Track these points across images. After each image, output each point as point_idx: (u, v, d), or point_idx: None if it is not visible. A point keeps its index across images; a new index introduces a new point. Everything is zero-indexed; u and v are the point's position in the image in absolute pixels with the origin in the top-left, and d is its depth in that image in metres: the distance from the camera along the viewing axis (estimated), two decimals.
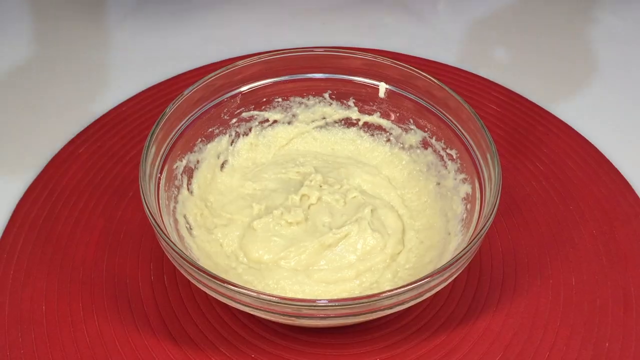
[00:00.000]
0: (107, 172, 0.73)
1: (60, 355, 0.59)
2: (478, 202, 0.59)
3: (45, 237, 0.67)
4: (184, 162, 0.64)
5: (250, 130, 0.70)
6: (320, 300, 0.50)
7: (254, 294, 0.49)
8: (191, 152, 0.65)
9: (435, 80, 0.64)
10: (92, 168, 0.73)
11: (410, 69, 0.66)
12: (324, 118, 0.72)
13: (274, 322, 0.60)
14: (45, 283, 0.64)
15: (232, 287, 0.50)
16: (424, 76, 0.65)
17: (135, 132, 0.77)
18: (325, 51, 0.69)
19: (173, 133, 0.62)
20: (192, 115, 0.65)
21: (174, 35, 0.91)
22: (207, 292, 0.53)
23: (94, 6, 0.94)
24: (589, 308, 0.62)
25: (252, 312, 0.52)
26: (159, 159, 0.60)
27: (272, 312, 0.51)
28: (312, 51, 0.68)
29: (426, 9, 0.93)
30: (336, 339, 0.59)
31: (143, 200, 0.54)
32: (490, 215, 0.54)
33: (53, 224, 0.68)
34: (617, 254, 0.67)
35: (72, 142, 0.77)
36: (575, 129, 0.80)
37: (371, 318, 0.53)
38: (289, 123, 0.72)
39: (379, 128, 0.71)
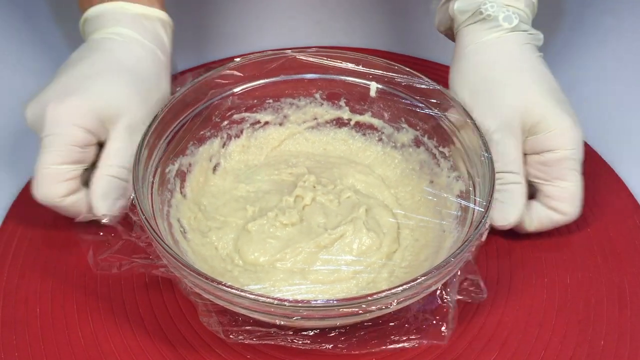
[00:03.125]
0: None
1: (54, 358, 0.59)
2: (472, 199, 0.59)
3: (39, 238, 0.67)
4: (177, 165, 0.64)
5: (241, 132, 0.70)
6: (317, 300, 0.50)
7: (252, 296, 0.49)
8: (183, 156, 0.65)
9: (426, 79, 0.64)
10: None
11: (401, 68, 0.66)
12: (316, 119, 0.72)
13: (269, 322, 0.60)
14: (40, 285, 0.63)
15: (229, 289, 0.50)
16: (415, 75, 0.65)
17: None
18: (315, 51, 0.68)
19: (165, 136, 0.62)
20: (183, 118, 0.64)
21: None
22: (204, 295, 0.53)
23: None
24: (583, 306, 0.63)
25: (249, 314, 0.52)
26: (151, 162, 0.59)
27: (270, 314, 0.50)
28: (303, 51, 0.68)
29: (418, 8, 0.93)
30: (332, 338, 0.59)
31: (137, 204, 0.54)
32: (485, 214, 0.54)
33: (47, 226, 0.68)
34: (611, 252, 0.67)
35: None
36: None
37: (368, 317, 0.53)
38: (280, 124, 0.71)
39: (371, 127, 0.71)
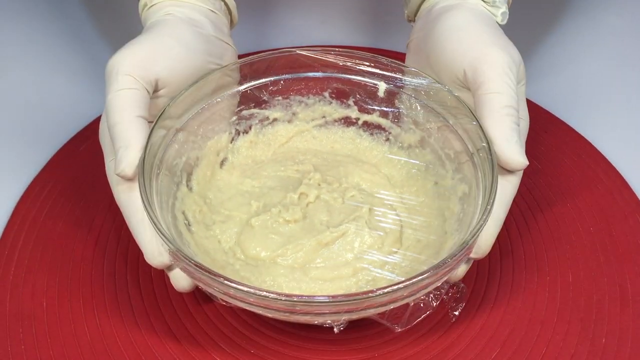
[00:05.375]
0: None
1: (60, 351, 0.59)
2: (474, 201, 0.59)
3: (46, 234, 0.68)
4: (184, 159, 0.64)
5: (250, 128, 0.71)
6: (315, 296, 0.50)
7: (250, 290, 0.49)
8: (191, 150, 0.66)
9: (434, 80, 0.64)
10: (92, 166, 0.73)
11: (410, 69, 0.66)
12: (324, 117, 0.72)
13: (273, 318, 0.60)
14: (46, 280, 0.64)
15: (227, 282, 0.50)
16: (424, 75, 0.65)
17: None
18: (325, 50, 0.69)
19: (173, 130, 0.62)
20: (192, 113, 0.65)
21: None
22: (203, 287, 0.54)
23: (95, 6, 0.95)
24: (585, 304, 0.63)
25: (247, 308, 0.52)
26: (158, 155, 0.60)
27: (268, 308, 0.51)
28: (312, 50, 0.69)
29: None
30: (334, 334, 0.59)
31: (141, 196, 0.54)
32: (485, 215, 0.54)
33: (54, 222, 0.69)
34: (613, 250, 0.67)
35: (72, 140, 0.78)
36: (572, 126, 0.80)
37: (366, 315, 0.53)
38: (289, 121, 0.72)
39: (378, 127, 0.71)
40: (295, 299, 0.49)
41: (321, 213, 0.64)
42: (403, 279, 0.51)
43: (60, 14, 0.93)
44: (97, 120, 0.79)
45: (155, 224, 0.53)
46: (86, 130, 0.79)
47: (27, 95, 0.84)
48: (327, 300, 0.49)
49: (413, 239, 0.63)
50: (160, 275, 0.65)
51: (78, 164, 0.75)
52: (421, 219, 0.65)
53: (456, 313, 0.61)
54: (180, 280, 0.57)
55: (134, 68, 0.59)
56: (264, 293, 0.49)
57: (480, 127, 0.59)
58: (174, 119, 0.62)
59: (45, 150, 0.76)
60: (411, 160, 0.69)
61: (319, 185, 0.66)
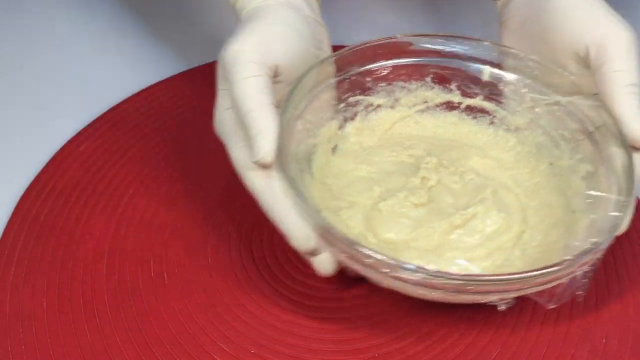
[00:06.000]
0: (108, 170, 0.74)
1: (60, 351, 0.59)
2: (606, 180, 0.59)
3: (46, 234, 0.68)
4: (303, 146, 0.64)
5: (355, 115, 0.71)
6: (488, 275, 0.51)
7: (425, 271, 0.50)
8: (307, 137, 0.65)
9: (540, 61, 0.65)
10: (93, 165, 0.74)
11: (514, 51, 0.67)
12: (426, 102, 0.72)
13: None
14: (46, 280, 0.64)
15: (395, 262, 0.51)
16: (529, 57, 0.66)
17: (136, 129, 0.78)
18: (426, 35, 0.69)
19: (294, 117, 0.62)
20: (306, 101, 0.64)
21: (177, 33, 0.91)
22: (359, 269, 0.54)
23: (96, 4, 0.94)
24: (585, 304, 0.62)
25: (407, 289, 0.53)
26: (285, 143, 0.59)
27: (436, 289, 0.52)
28: (415, 37, 0.69)
29: None
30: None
31: (288, 182, 0.55)
32: (631, 197, 0.55)
33: (54, 221, 0.69)
34: (613, 250, 0.66)
35: (73, 140, 0.77)
36: None
37: (526, 294, 0.54)
38: (391, 107, 0.72)
39: (482, 111, 0.71)
40: (468, 278, 0.50)
41: (446, 196, 0.64)
42: (538, 259, 0.53)
43: (64, 12, 0.93)
44: (97, 120, 0.79)
45: (305, 210, 0.53)
46: (86, 130, 0.78)
47: (27, 95, 0.84)
48: (501, 279, 0.51)
49: (537, 219, 0.64)
50: (161, 276, 0.65)
51: (78, 164, 0.74)
52: (539, 200, 0.65)
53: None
54: (325, 263, 0.57)
55: (255, 55, 0.59)
56: (442, 274, 0.50)
57: (603, 105, 0.60)
58: (294, 106, 0.62)
59: (45, 150, 0.76)
60: (519, 143, 0.70)
61: (437, 169, 0.66)
